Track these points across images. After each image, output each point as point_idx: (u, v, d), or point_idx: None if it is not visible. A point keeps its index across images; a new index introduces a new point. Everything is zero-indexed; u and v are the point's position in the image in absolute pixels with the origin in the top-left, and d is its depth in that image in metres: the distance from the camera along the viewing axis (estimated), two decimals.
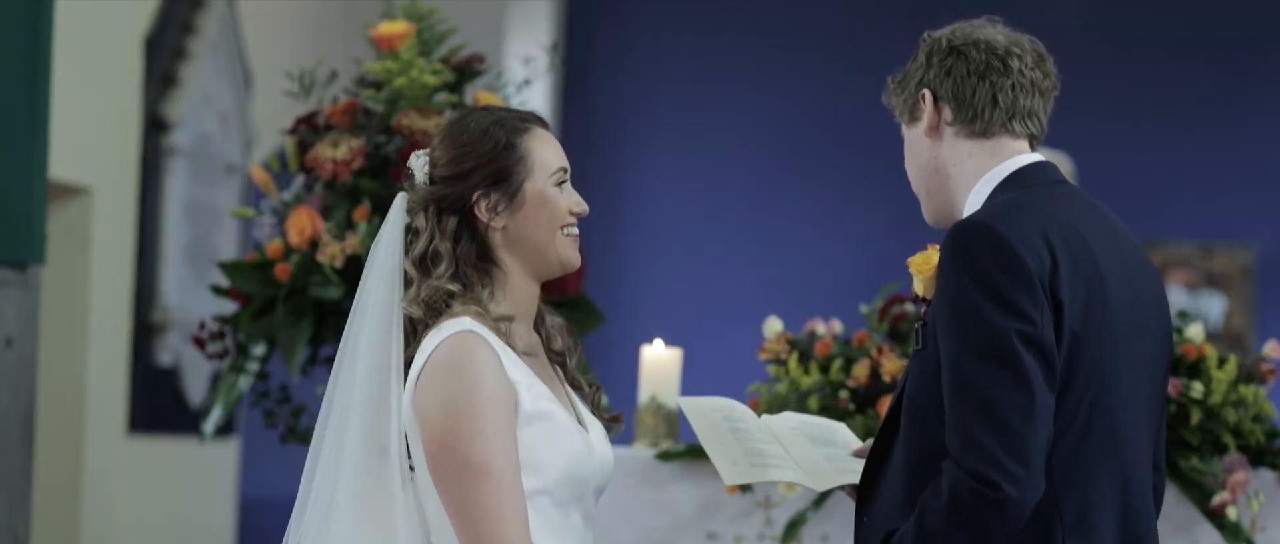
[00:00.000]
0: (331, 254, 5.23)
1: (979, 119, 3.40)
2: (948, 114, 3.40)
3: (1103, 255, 3.33)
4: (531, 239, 3.46)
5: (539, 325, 3.57)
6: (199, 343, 5.42)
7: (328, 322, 5.36)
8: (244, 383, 5.43)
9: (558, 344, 3.57)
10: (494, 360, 3.36)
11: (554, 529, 3.41)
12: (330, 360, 5.49)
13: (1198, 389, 4.85)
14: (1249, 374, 4.94)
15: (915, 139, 3.45)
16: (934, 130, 3.41)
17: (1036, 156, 3.43)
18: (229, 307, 5.51)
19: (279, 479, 10.30)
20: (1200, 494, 4.82)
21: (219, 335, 5.40)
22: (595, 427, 3.55)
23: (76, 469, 7.69)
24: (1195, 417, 4.85)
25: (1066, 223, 3.31)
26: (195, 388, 8.33)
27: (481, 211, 3.45)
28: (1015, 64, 3.41)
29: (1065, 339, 3.22)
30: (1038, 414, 3.16)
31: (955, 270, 3.22)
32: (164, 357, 8.16)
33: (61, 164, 6.77)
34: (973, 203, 3.40)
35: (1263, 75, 10.65)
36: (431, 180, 3.46)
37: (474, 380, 3.34)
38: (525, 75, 5.82)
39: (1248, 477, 4.80)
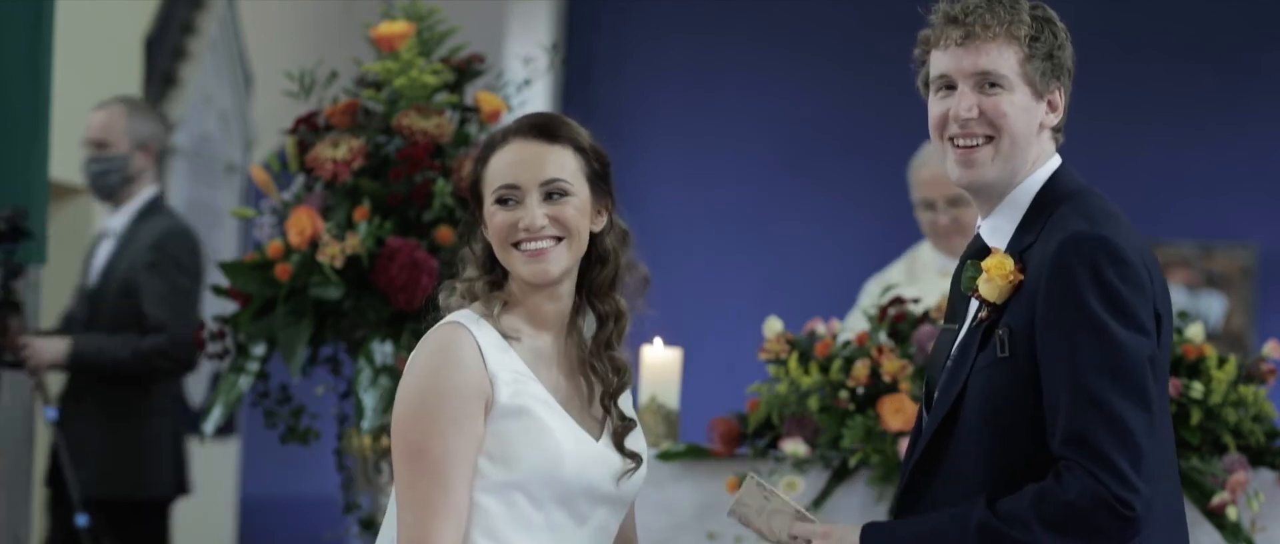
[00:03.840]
0: (331, 254, 5.23)
1: (1062, 131, 3.49)
2: (1057, 117, 3.46)
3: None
4: (498, 256, 3.52)
5: (581, 344, 3.59)
6: (199, 343, 5.42)
7: (328, 322, 5.36)
8: (244, 383, 5.42)
9: (603, 366, 3.57)
10: (471, 351, 3.42)
11: (526, 525, 3.44)
12: (330, 360, 5.52)
13: (1198, 389, 4.85)
14: (1249, 374, 4.94)
15: (1036, 112, 3.42)
16: (1044, 122, 3.44)
17: (1059, 157, 3.47)
18: (229, 306, 5.51)
19: (279, 479, 10.32)
20: (1200, 494, 4.82)
21: (219, 335, 5.40)
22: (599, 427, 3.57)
23: None
24: (1195, 417, 4.85)
25: (1139, 233, 3.34)
26: (195, 388, 8.32)
27: (478, 223, 3.54)
28: None
29: (1158, 351, 3.27)
30: (1155, 430, 3.20)
31: (1080, 282, 3.20)
32: None
33: (62, 164, 6.76)
34: (1017, 197, 3.40)
35: (1263, 75, 10.65)
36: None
37: (438, 370, 3.40)
38: (525, 75, 5.82)
39: (1248, 477, 4.80)
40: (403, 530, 3.38)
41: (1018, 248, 3.34)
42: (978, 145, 3.39)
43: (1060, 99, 3.44)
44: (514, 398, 3.43)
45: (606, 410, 3.56)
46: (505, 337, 3.47)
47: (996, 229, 3.39)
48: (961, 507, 3.25)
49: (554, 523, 3.46)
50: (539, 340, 3.52)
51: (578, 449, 3.47)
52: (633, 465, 3.55)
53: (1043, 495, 3.18)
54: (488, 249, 3.54)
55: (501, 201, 3.49)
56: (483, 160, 3.53)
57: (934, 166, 6.03)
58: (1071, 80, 3.47)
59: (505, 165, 3.50)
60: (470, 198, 3.55)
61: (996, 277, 3.32)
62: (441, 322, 3.48)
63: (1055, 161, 3.44)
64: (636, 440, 3.58)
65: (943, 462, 3.34)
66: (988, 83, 3.39)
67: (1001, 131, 3.38)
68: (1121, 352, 3.17)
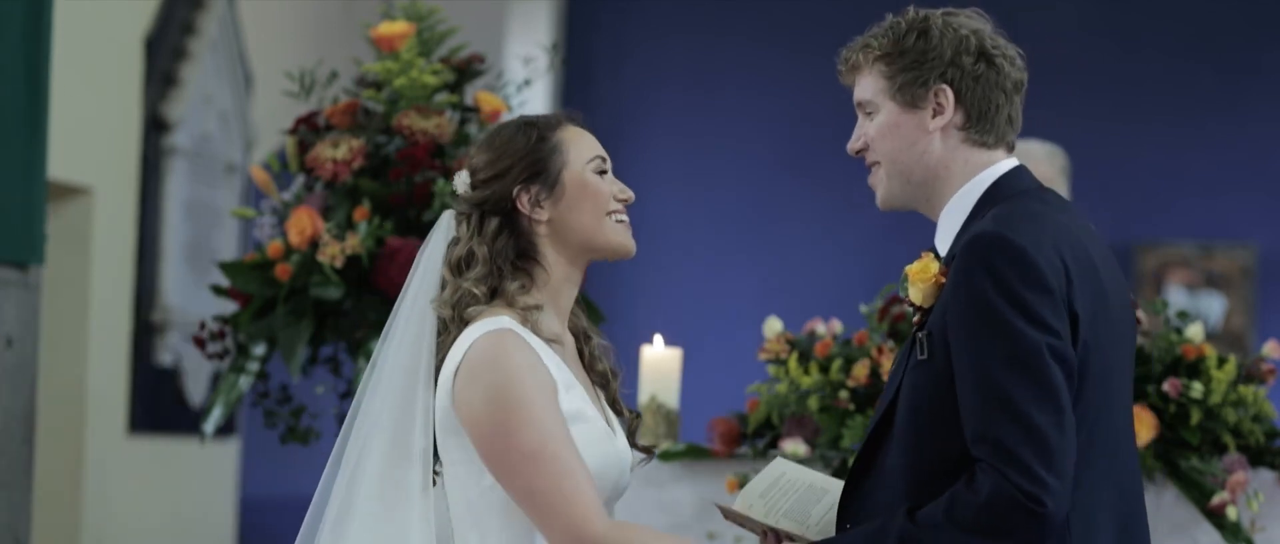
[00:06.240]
0: (331, 254, 5.23)
1: (991, 132, 3.41)
2: (960, 117, 3.39)
3: (1099, 262, 3.35)
4: (578, 226, 3.51)
5: (582, 340, 3.60)
6: (199, 343, 5.42)
7: (328, 322, 5.36)
8: (244, 383, 5.42)
9: (601, 366, 3.61)
10: (533, 355, 3.39)
11: None
12: (330, 360, 5.52)
13: (1198, 389, 4.85)
14: (1249, 374, 4.94)
15: (909, 124, 3.41)
16: (944, 128, 3.40)
17: (1014, 161, 3.44)
18: (229, 306, 5.51)
19: (279, 479, 10.32)
20: (1200, 494, 4.82)
21: (219, 335, 5.40)
22: (619, 429, 3.58)
23: (76, 469, 7.69)
24: (1195, 417, 4.85)
25: (1068, 231, 3.32)
26: (195, 388, 8.33)
27: (524, 205, 3.49)
28: (1023, 78, 3.45)
29: (1079, 349, 3.24)
30: (1067, 426, 3.17)
31: (979, 282, 3.21)
32: (164, 357, 8.16)
33: (61, 164, 6.77)
34: (958, 204, 3.39)
35: (1263, 75, 10.65)
36: (473, 188, 3.52)
37: (515, 371, 3.36)
38: (525, 75, 5.82)
39: (1247, 477, 4.80)
40: (551, 533, 3.34)
41: (954, 252, 3.35)
42: (873, 171, 3.48)
43: (947, 99, 3.38)
44: (571, 403, 3.42)
45: (617, 411, 3.58)
46: (547, 341, 3.45)
47: (944, 235, 3.42)
48: (883, 518, 3.27)
49: None
50: (554, 331, 3.50)
51: (614, 450, 3.48)
52: (645, 459, 3.59)
53: (955, 499, 3.18)
54: (516, 245, 3.49)
55: (601, 172, 3.53)
56: (544, 140, 3.51)
57: (1026, 166, 5.98)
58: (980, 70, 3.37)
59: (589, 141, 3.55)
60: (527, 178, 3.50)
61: (917, 280, 3.35)
62: (483, 327, 3.41)
63: (1003, 166, 3.42)
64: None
65: (877, 462, 3.37)
66: (864, 112, 3.47)
67: (876, 154, 3.45)
68: (1022, 348, 3.16)
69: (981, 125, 3.40)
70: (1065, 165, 6.10)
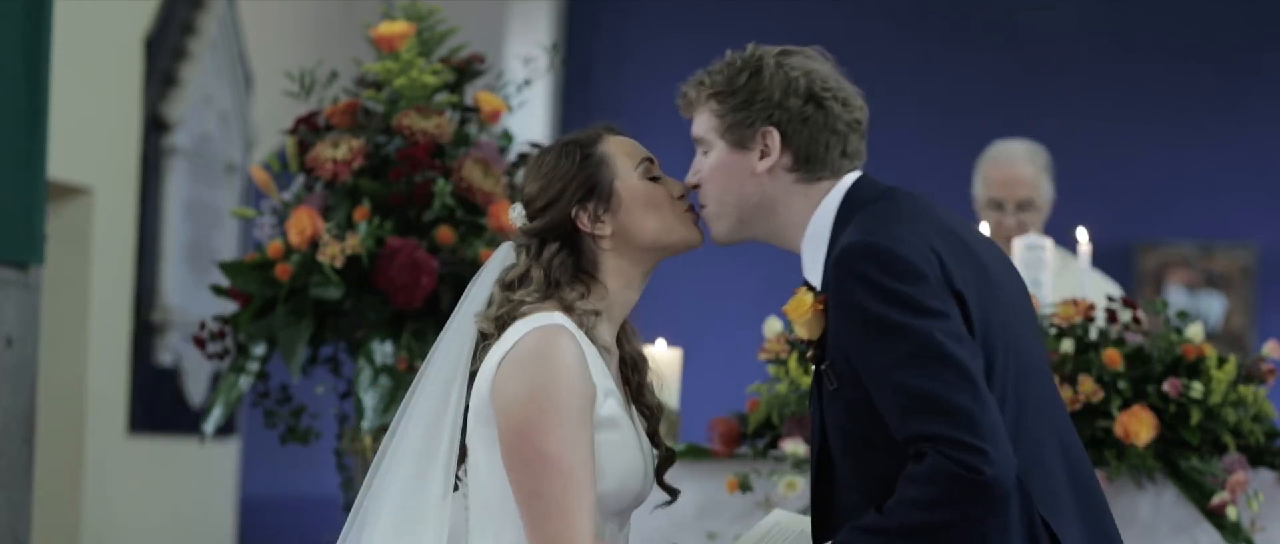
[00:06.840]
0: (331, 254, 5.23)
1: (823, 168, 3.41)
2: (788, 159, 3.40)
3: (971, 241, 3.36)
4: (642, 230, 3.52)
5: (629, 367, 3.60)
6: (199, 343, 5.42)
7: (328, 322, 5.36)
8: (244, 383, 5.43)
9: (650, 399, 3.61)
10: (580, 357, 3.40)
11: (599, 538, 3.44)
12: (330, 360, 5.52)
13: (1198, 389, 4.85)
14: (1249, 374, 4.94)
15: (737, 164, 3.42)
16: (771, 169, 3.40)
17: (856, 173, 3.43)
18: (229, 306, 5.51)
19: (279, 479, 10.29)
20: (1200, 494, 4.82)
21: (219, 335, 5.40)
22: (648, 448, 3.58)
23: (76, 469, 7.69)
24: (1195, 417, 4.85)
25: (931, 218, 3.33)
26: (195, 388, 8.33)
27: (585, 224, 3.50)
28: (861, 116, 3.44)
29: (976, 326, 3.25)
30: (986, 400, 3.18)
31: (855, 294, 3.22)
32: (164, 357, 8.17)
33: (61, 164, 6.77)
34: (814, 233, 3.40)
35: (1263, 75, 10.65)
36: (530, 218, 3.53)
37: (558, 372, 3.37)
38: (525, 75, 5.82)
39: (1247, 477, 4.80)
40: (536, 537, 3.35)
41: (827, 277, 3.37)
42: (702, 210, 3.50)
43: (774, 141, 3.39)
44: (610, 410, 3.43)
45: (654, 443, 3.59)
46: (599, 348, 3.46)
47: (810, 265, 3.42)
48: (850, 524, 3.28)
49: (609, 534, 3.47)
50: (606, 341, 3.51)
51: (643, 463, 3.49)
52: (669, 500, 3.59)
53: (902, 481, 3.19)
54: (575, 262, 3.50)
55: (653, 177, 3.54)
56: (588, 156, 3.52)
57: (1008, 167, 5.98)
58: (808, 113, 3.38)
59: (632, 146, 3.56)
60: (582, 197, 3.50)
61: (797, 316, 3.36)
62: (536, 321, 3.42)
63: (845, 182, 3.41)
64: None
65: (832, 500, 3.38)
66: (700, 149, 3.48)
67: (704, 196, 3.47)
68: (917, 342, 3.17)
69: (810, 166, 3.40)
70: (1047, 163, 6.10)
